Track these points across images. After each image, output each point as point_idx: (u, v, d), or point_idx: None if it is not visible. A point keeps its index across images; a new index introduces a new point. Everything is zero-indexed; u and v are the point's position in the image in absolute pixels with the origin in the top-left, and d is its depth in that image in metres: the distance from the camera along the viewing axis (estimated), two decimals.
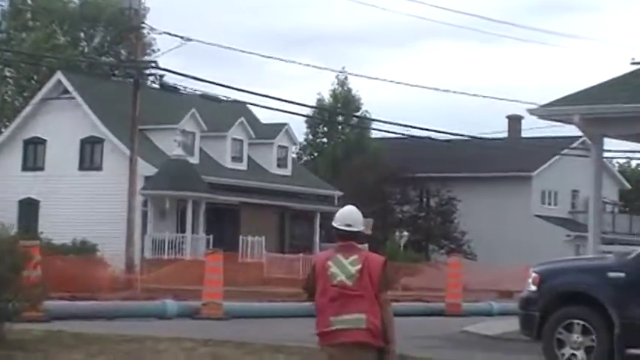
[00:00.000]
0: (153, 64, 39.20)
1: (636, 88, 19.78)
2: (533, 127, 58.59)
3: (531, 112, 21.08)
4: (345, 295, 7.60)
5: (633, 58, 22.87)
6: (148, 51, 51.72)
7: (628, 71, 21.47)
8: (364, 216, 8.11)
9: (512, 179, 57.77)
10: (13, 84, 58.56)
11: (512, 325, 16.58)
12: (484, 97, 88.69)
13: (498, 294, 39.86)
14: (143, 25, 42.23)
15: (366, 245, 42.75)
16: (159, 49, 50.46)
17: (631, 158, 64.12)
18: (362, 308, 7.58)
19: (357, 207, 8.04)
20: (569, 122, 20.29)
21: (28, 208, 44.88)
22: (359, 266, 7.62)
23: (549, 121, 22.27)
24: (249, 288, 35.60)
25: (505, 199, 57.17)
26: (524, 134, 61.38)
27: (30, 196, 45.23)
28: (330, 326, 7.63)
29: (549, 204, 59.94)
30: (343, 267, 7.65)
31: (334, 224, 7.85)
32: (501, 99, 73.42)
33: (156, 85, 41.46)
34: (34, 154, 46.41)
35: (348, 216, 7.85)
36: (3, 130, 51.78)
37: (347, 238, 7.78)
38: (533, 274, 14.42)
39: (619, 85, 20.21)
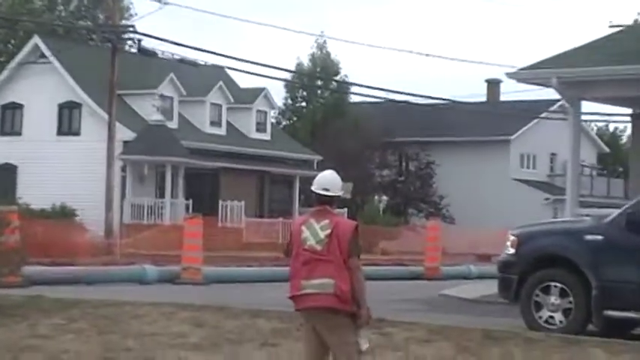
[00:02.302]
0: (131, 29, 38.97)
1: (614, 51, 19.83)
2: (512, 91, 58.76)
3: (509, 75, 21.10)
4: (314, 259, 7.65)
5: (611, 21, 22.93)
6: (126, 15, 51.46)
7: (606, 34, 21.53)
8: (343, 180, 8.12)
9: (490, 143, 57.92)
10: None
11: (491, 288, 16.69)
12: (463, 60, 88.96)
13: (477, 257, 40.11)
14: None
15: (345, 209, 43.05)
16: (136, 13, 50.37)
17: (609, 121, 64.38)
18: (330, 273, 7.61)
19: (337, 171, 8.05)
20: (548, 85, 20.32)
21: (6, 174, 44.71)
22: (328, 231, 7.66)
23: (527, 85, 22.30)
24: (228, 253, 35.67)
25: (484, 163, 57.33)
26: (502, 98, 61.55)
27: (8, 161, 45.03)
28: (301, 290, 7.69)
29: (528, 167, 60.17)
30: (314, 231, 7.69)
31: (312, 188, 7.89)
32: (480, 62, 73.63)
33: (134, 50, 41.20)
34: (11, 119, 46.16)
35: (326, 180, 7.87)
36: None
37: (324, 202, 7.81)
38: (512, 237, 14.50)
39: (597, 48, 20.24)
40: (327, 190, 7.82)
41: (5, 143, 45.19)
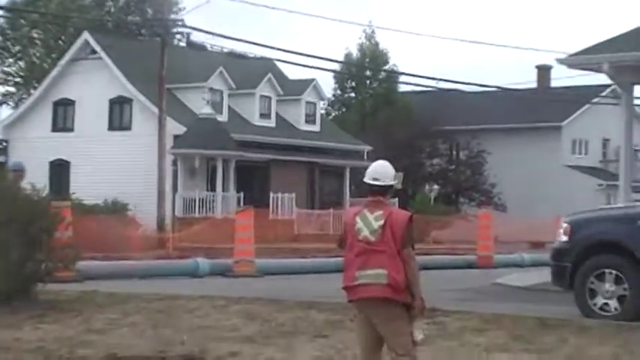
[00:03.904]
0: (179, 23, 39.19)
1: None
2: (563, 77, 58.20)
3: (560, 61, 20.92)
4: (368, 250, 7.63)
5: None
6: (174, 9, 51.70)
7: None
8: (394, 170, 8.08)
9: (542, 130, 57.47)
10: (41, 45, 58.69)
11: (544, 276, 16.56)
12: (512, 47, 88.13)
13: (530, 245, 39.83)
14: None
15: (396, 199, 43.01)
16: (184, 7, 50.60)
17: None
18: (383, 263, 7.59)
19: (387, 161, 8.02)
20: (599, 71, 20.12)
21: (59, 169, 45.15)
22: (382, 222, 7.63)
23: (579, 70, 22.08)
24: (280, 245, 35.77)
25: (535, 150, 56.92)
26: (553, 84, 61.02)
27: (60, 157, 45.48)
28: (354, 281, 7.67)
29: (580, 153, 59.63)
30: (368, 222, 7.67)
31: (364, 179, 7.87)
32: (530, 49, 72.83)
33: (183, 44, 41.45)
34: (63, 115, 46.56)
35: (377, 171, 7.85)
36: (32, 91, 52.01)
37: (377, 193, 7.78)
38: (565, 225, 14.37)
39: None
40: (378, 180, 7.79)
41: (57, 139, 45.63)
